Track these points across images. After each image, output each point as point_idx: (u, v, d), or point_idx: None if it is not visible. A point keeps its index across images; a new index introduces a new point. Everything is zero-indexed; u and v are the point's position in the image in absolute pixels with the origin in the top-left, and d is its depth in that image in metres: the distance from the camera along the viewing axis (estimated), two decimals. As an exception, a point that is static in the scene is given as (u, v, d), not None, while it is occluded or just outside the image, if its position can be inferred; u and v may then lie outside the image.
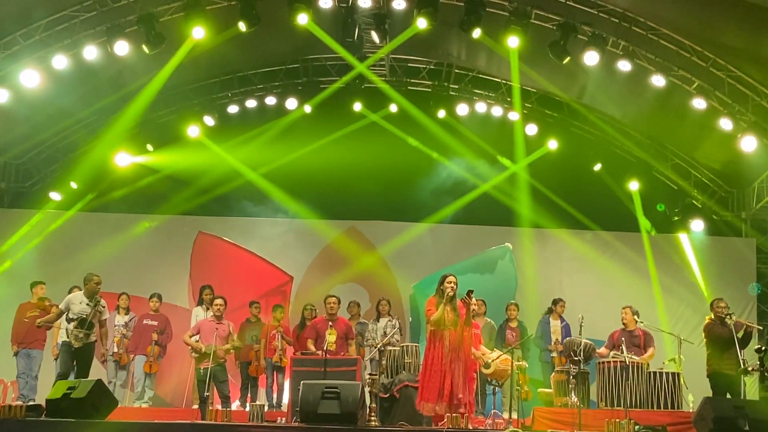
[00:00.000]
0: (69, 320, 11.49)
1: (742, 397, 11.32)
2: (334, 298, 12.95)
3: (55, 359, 12.99)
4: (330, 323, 12.39)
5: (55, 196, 16.62)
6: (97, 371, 12.64)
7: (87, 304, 11.51)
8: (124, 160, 16.52)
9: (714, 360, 11.71)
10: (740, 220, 17.16)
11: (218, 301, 12.58)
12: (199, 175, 16.57)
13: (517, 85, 16.26)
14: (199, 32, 13.72)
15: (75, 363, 11.53)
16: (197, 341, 12.14)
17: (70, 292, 12.63)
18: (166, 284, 15.39)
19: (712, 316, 11.94)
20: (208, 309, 13.72)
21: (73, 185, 16.61)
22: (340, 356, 12.08)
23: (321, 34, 14.88)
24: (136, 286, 14.89)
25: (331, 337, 12.24)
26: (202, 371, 11.92)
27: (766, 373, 10.92)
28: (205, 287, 14.06)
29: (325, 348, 11.71)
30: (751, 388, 13.80)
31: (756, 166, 15.69)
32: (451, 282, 10.31)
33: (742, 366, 11.04)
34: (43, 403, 10.07)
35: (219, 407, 12.04)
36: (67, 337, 11.50)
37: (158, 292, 14.35)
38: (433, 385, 10.18)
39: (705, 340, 11.87)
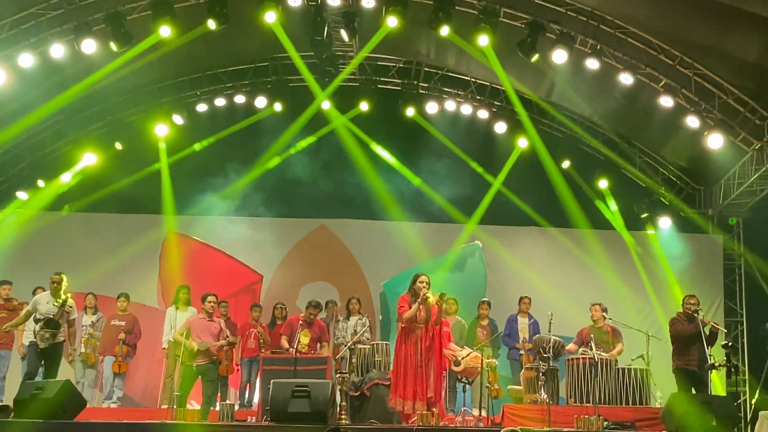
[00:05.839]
0: (36, 321, 11.40)
1: (708, 393, 11.38)
2: (315, 310, 12.89)
3: (23, 359, 12.88)
4: (305, 325, 12.43)
5: (21, 195, 16.47)
6: (67, 371, 12.54)
7: (54, 304, 11.41)
8: (91, 159, 16.35)
9: (679, 356, 11.64)
10: (707, 218, 17.27)
11: (210, 297, 12.09)
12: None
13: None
14: (165, 30, 13.63)
15: (42, 363, 11.44)
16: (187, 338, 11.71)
17: (34, 293, 12.57)
18: (135, 284, 15.29)
19: (680, 312, 11.95)
20: (178, 309, 13.71)
21: (41, 184, 16.48)
22: (311, 354, 12.07)
23: (288, 45, 15.09)
24: (105, 286, 14.80)
25: (304, 339, 12.27)
26: (195, 368, 11.61)
27: (732, 370, 10.99)
28: (183, 287, 14.01)
29: (296, 347, 11.72)
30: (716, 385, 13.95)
31: (722, 164, 15.84)
32: (423, 282, 10.33)
33: (708, 362, 11.08)
34: (11, 404, 10.00)
35: (195, 407, 11.99)
36: (34, 337, 11.41)
37: (126, 292, 14.24)
38: (408, 382, 10.22)
39: (670, 335, 11.88)
